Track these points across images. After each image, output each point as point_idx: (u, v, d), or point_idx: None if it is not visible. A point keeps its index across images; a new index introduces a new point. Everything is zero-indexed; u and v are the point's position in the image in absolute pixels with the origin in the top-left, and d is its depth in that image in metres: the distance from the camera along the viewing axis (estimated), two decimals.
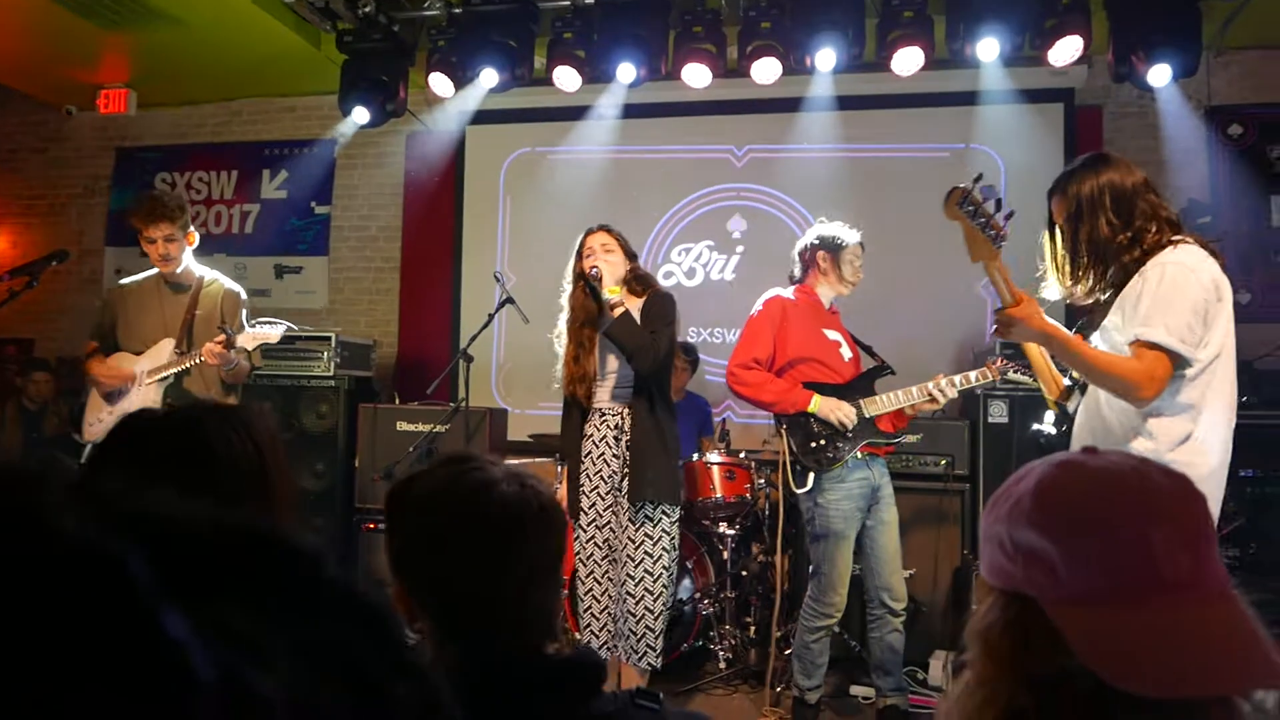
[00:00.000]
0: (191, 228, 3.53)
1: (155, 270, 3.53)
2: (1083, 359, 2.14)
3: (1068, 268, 2.25)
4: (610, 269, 3.26)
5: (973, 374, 3.33)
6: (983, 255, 2.12)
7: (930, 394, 3.27)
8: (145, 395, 3.40)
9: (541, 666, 1.06)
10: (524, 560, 1.08)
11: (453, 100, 5.16)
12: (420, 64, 5.18)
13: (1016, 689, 0.69)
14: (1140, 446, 2.14)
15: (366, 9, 4.95)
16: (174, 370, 3.37)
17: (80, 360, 3.71)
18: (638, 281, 3.35)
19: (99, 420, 3.46)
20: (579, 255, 3.37)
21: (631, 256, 3.40)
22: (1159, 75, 4.26)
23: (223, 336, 3.25)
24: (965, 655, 0.76)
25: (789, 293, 3.44)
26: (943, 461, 4.28)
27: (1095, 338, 2.25)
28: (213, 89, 6.20)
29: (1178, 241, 2.14)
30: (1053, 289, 2.31)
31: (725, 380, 3.43)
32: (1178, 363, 2.06)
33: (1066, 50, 4.33)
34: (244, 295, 3.62)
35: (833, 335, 3.40)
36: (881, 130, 5.44)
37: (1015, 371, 3.38)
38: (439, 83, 4.98)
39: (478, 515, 1.08)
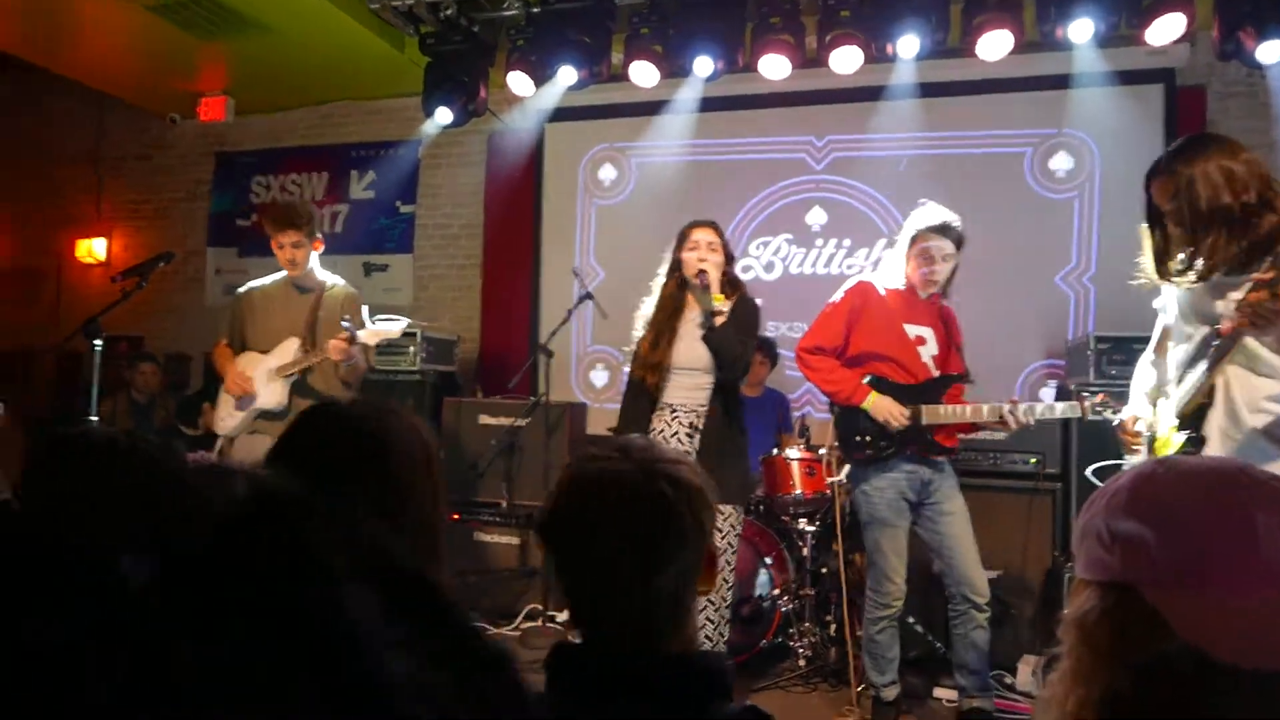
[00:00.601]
0: (319, 234, 3.70)
1: (282, 274, 3.71)
2: None
3: (1179, 249, 2.10)
4: (714, 270, 3.25)
5: (1059, 406, 3.18)
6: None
7: (1002, 417, 3.10)
8: (273, 391, 3.57)
9: (662, 663, 1.06)
10: (670, 562, 1.07)
11: (532, 99, 5.23)
12: (500, 64, 5.27)
13: (1114, 675, 0.69)
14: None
15: (448, 11, 5.06)
16: (300, 367, 3.53)
17: (209, 355, 3.91)
18: (728, 284, 3.34)
19: (231, 417, 3.66)
20: (680, 245, 3.37)
21: (730, 258, 3.38)
22: (1270, 52, 4.02)
23: (346, 332, 3.37)
24: (1059, 648, 0.76)
25: (880, 280, 3.34)
26: (1033, 460, 4.14)
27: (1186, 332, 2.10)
28: (303, 94, 6.43)
29: None
30: (1149, 277, 2.19)
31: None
32: None
33: (1167, 28, 4.12)
34: (362, 297, 3.78)
35: (917, 331, 3.28)
36: (968, 118, 5.28)
37: (1110, 411, 3.08)
38: (518, 81, 5.05)
39: (629, 509, 1.07)
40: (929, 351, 3.30)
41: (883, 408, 3.16)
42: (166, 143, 7.09)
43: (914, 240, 3.27)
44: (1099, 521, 0.74)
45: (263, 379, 3.60)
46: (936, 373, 3.28)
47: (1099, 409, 3.08)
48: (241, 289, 3.85)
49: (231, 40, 5.46)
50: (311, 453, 1.24)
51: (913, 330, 3.28)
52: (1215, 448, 2.13)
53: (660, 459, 1.12)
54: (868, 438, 3.22)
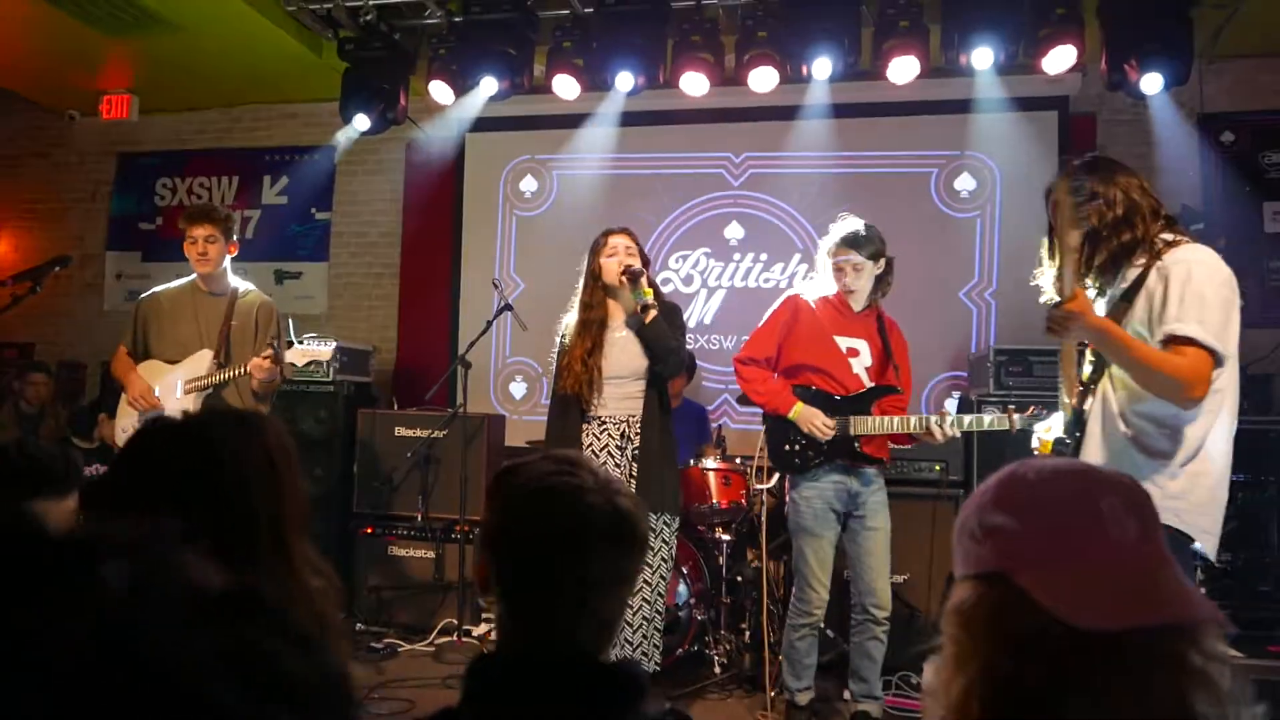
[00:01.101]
0: (235, 239, 3.61)
1: (190, 278, 3.59)
2: (1136, 356, 2.05)
3: (1067, 269, 2.24)
4: (637, 263, 3.29)
5: (986, 418, 3.17)
6: (1073, 233, 2.12)
7: (929, 428, 3.15)
8: (183, 405, 3.42)
9: (586, 671, 1.09)
10: (589, 570, 1.10)
11: (453, 108, 5.20)
12: (421, 72, 5.22)
13: (993, 653, 0.74)
14: (1151, 450, 2.11)
15: (368, 17, 5.00)
16: (213, 382, 3.41)
17: (106, 363, 3.77)
18: (650, 286, 3.37)
19: (131, 428, 3.49)
20: (596, 253, 3.38)
21: (646, 263, 3.41)
22: (1151, 83, 4.30)
23: (270, 352, 3.27)
24: (939, 640, 0.80)
25: (814, 293, 3.39)
26: (937, 467, 4.31)
27: None
28: (214, 95, 6.24)
29: (1183, 241, 2.13)
30: (1048, 291, 2.31)
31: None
32: (1217, 361, 2.01)
33: (1060, 59, 4.37)
34: (277, 307, 3.68)
35: (848, 343, 3.34)
36: (878, 138, 5.48)
37: (1039, 422, 3.01)
38: (439, 90, 5.02)
39: (556, 518, 1.11)
40: (861, 363, 3.35)
41: (806, 417, 3.22)
42: (65, 140, 6.78)
43: (828, 255, 3.36)
44: (971, 520, 0.80)
45: (170, 391, 3.46)
46: (869, 384, 3.33)
47: (1028, 421, 3.05)
48: (146, 294, 3.71)
49: (139, 37, 5.27)
50: (142, 472, 1.22)
51: (844, 342, 3.33)
52: (1090, 452, 2.24)
53: (609, 476, 1.17)
54: (796, 447, 3.27)
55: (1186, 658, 0.70)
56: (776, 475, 3.30)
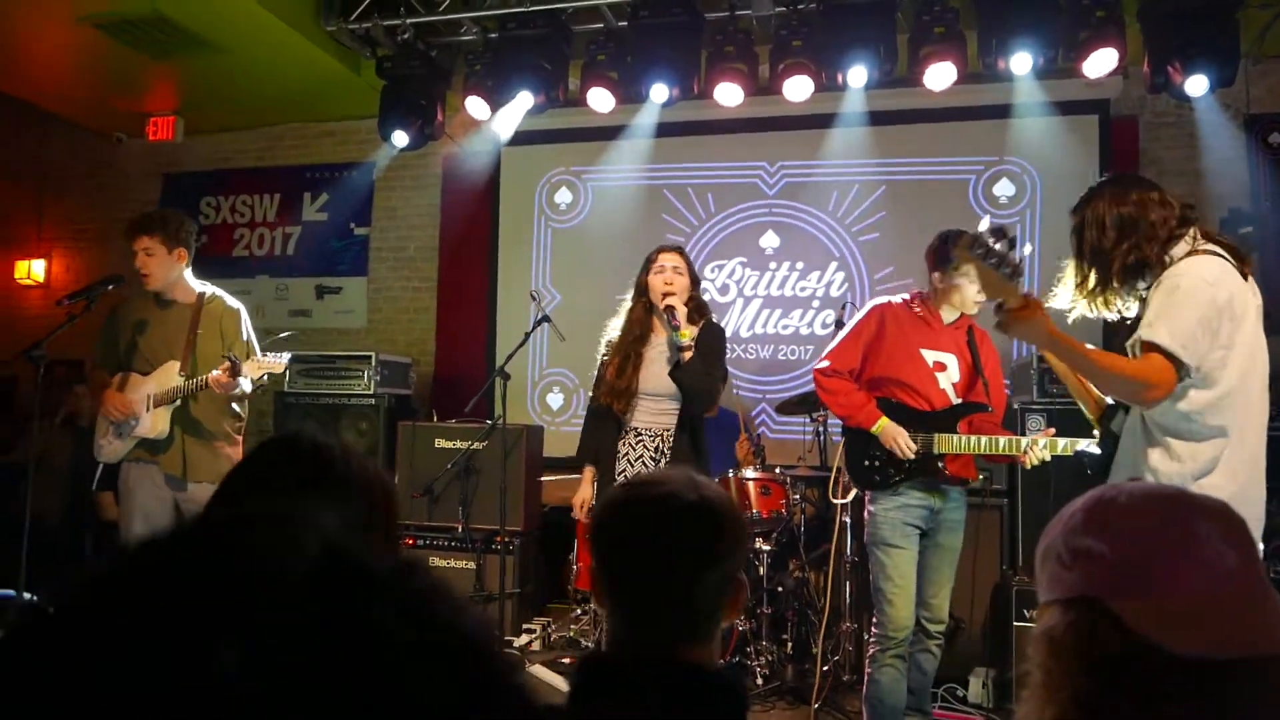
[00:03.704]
0: (184, 246, 3.47)
1: (149, 290, 3.50)
2: (1087, 361, 2.15)
3: (1080, 285, 2.26)
4: (680, 301, 3.27)
5: (1082, 442, 2.85)
6: (999, 293, 2.11)
7: (1024, 450, 2.96)
8: (155, 418, 3.39)
9: (696, 676, 1.12)
10: (676, 554, 1.18)
11: (489, 123, 5.25)
12: (457, 88, 5.29)
13: (1085, 680, 0.73)
14: (1166, 468, 2.12)
15: (405, 36, 5.07)
16: (180, 394, 3.37)
17: (92, 386, 3.69)
18: (696, 310, 3.36)
19: (108, 444, 3.47)
20: (646, 269, 3.39)
21: (695, 283, 3.41)
22: (1196, 85, 4.22)
23: (227, 365, 3.25)
24: (1026, 665, 0.79)
25: (899, 301, 3.22)
26: (981, 477, 4.25)
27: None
28: (256, 115, 6.37)
29: (1202, 251, 2.13)
30: (1062, 300, 2.31)
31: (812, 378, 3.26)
32: (1180, 369, 2.06)
33: (1101, 62, 4.31)
34: (245, 312, 3.61)
35: (936, 357, 3.15)
36: (914, 145, 5.44)
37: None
38: (475, 106, 5.08)
39: (640, 511, 1.21)
40: (949, 378, 3.16)
41: (890, 434, 3.03)
42: (112, 163, 6.95)
43: (954, 269, 3.07)
44: (1058, 544, 0.79)
45: (142, 404, 3.41)
46: (956, 400, 3.15)
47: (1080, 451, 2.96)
48: (112, 307, 3.63)
49: (183, 60, 5.39)
50: (280, 482, 1.24)
51: (931, 356, 3.15)
52: (1116, 463, 2.29)
53: (697, 476, 1.26)
54: (876, 464, 3.10)
55: None
56: (855, 491, 3.18)
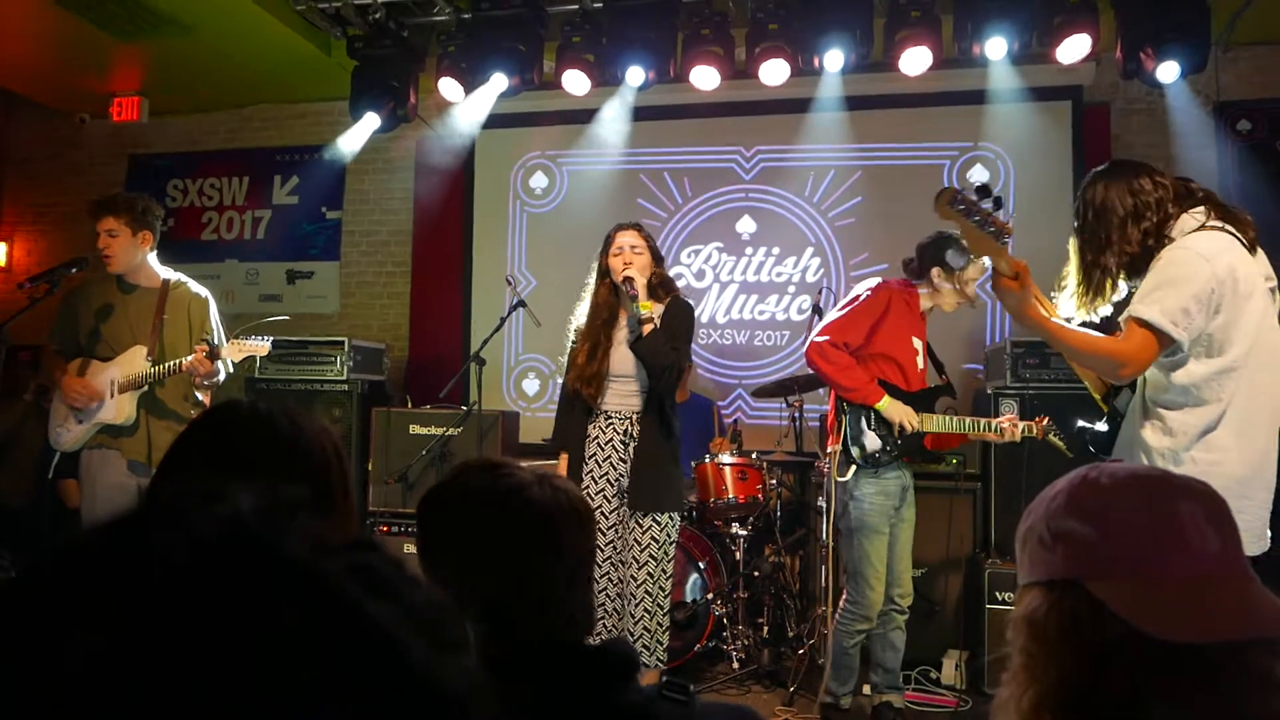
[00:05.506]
0: (149, 229, 3.41)
1: (108, 271, 3.42)
2: (1062, 341, 2.16)
3: (1083, 281, 2.24)
4: (639, 272, 3.25)
5: (1027, 425, 3.28)
6: (986, 250, 2.12)
7: (996, 429, 3.23)
8: (119, 404, 3.31)
9: (573, 655, 1.10)
10: (562, 560, 1.13)
11: (462, 105, 5.19)
12: (430, 69, 5.21)
13: (1067, 665, 0.72)
14: (1156, 443, 2.12)
15: (376, 15, 4.99)
16: (147, 379, 3.30)
17: (45, 369, 3.59)
18: (661, 286, 3.35)
19: (67, 431, 3.37)
20: (605, 251, 3.37)
21: (658, 259, 3.40)
22: (1167, 72, 4.26)
23: (204, 348, 3.18)
24: (1006, 648, 0.79)
25: (898, 285, 3.37)
26: (954, 460, 4.28)
27: None
28: (224, 96, 6.25)
29: (1211, 228, 2.11)
30: (1067, 304, 2.27)
31: (806, 349, 3.28)
32: (1166, 344, 2.06)
33: (1074, 48, 4.33)
34: (212, 300, 3.55)
35: (917, 343, 3.36)
36: (890, 130, 5.44)
37: (1056, 436, 3.27)
38: (449, 88, 5.02)
39: (513, 520, 1.12)
40: (921, 364, 3.37)
41: (897, 410, 3.17)
42: (76, 144, 6.80)
43: (960, 272, 3.29)
44: (1039, 525, 0.78)
45: (106, 389, 3.33)
46: (930, 383, 3.39)
47: (1047, 430, 3.29)
48: (70, 290, 3.52)
49: (149, 39, 5.27)
50: (226, 451, 1.20)
51: (915, 341, 3.36)
52: (1120, 439, 2.29)
53: (547, 471, 1.21)
54: (880, 439, 3.21)
55: (1274, 672, 0.68)
56: (854, 467, 3.20)
